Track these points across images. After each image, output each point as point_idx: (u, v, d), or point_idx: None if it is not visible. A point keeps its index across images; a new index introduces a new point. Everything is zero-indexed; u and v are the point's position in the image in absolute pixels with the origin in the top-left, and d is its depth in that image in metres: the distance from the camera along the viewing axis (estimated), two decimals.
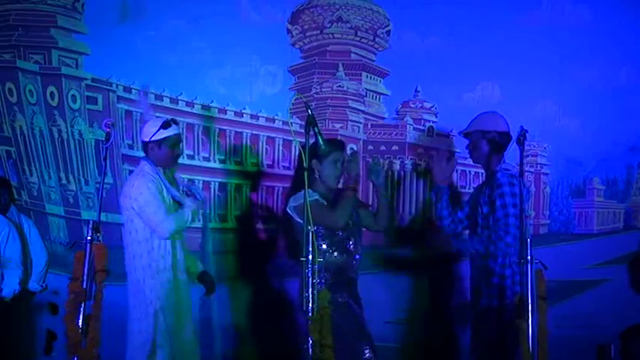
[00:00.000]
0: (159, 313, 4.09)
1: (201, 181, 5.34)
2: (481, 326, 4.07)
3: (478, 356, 4.07)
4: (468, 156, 4.42)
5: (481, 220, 4.09)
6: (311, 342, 3.55)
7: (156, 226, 4.06)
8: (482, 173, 4.63)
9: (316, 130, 3.61)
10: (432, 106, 5.53)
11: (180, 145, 4.26)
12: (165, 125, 4.15)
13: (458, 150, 5.35)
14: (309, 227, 3.47)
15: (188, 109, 5.35)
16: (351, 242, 4.14)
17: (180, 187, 4.32)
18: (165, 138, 4.14)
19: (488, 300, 4.03)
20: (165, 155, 4.16)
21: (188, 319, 4.24)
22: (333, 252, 4.07)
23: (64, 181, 5.36)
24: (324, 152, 3.94)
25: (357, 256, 4.19)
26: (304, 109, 3.62)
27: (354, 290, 4.19)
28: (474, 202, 4.26)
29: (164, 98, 5.33)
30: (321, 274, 3.95)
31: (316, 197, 4.02)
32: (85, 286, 3.48)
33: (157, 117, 4.40)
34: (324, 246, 4.04)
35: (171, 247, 4.15)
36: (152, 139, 4.13)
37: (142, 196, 4.06)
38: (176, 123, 4.25)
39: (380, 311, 5.30)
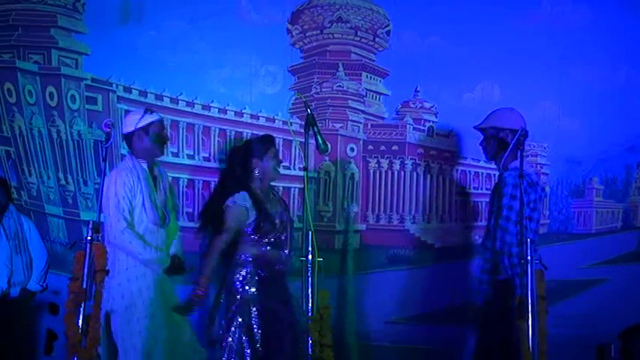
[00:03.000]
0: (109, 314, 4.01)
1: (201, 181, 5.34)
2: (487, 325, 4.05)
3: (485, 356, 4.05)
4: (473, 156, 4.41)
5: (492, 218, 4.08)
6: (311, 342, 3.56)
7: (110, 224, 4.03)
8: (486, 174, 4.63)
9: (315, 130, 3.63)
10: (432, 106, 5.53)
11: (165, 130, 4.28)
12: (149, 111, 4.20)
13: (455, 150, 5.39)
14: (310, 227, 3.49)
15: (188, 109, 5.36)
16: (283, 236, 4.19)
17: (167, 186, 4.30)
18: (151, 123, 4.16)
19: (492, 299, 4.02)
20: (152, 141, 4.15)
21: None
22: (263, 246, 4.14)
23: (62, 182, 5.35)
24: (324, 152, 3.95)
25: (287, 251, 4.22)
26: (304, 108, 3.63)
27: (283, 284, 4.21)
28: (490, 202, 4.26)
29: (164, 98, 5.33)
30: (248, 266, 4.09)
31: (240, 204, 4.12)
32: (85, 286, 3.47)
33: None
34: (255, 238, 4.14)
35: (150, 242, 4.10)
36: (138, 126, 4.13)
37: (109, 188, 4.02)
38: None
39: (379, 311, 5.33)
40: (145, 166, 4.15)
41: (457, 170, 5.50)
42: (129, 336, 4.01)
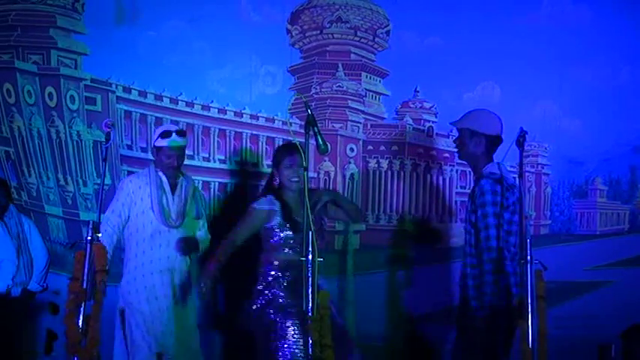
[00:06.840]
0: (124, 311, 4.20)
1: (201, 181, 5.33)
2: (467, 331, 3.98)
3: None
4: None
5: (470, 227, 4.00)
6: (311, 342, 3.55)
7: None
8: None
9: (315, 130, 3.62)
10: (432, 106, 5.53)
11: (178, 156, 4.30)
12: (164, 135, 4.27)
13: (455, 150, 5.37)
14: (310, 227, 3.48)
15: (188, 109, 5.35)
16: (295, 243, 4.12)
17: (188, 195, 4.39)
18: (160, 147, 4.28)
19: (476, 306, 3.93)
20: (160, 162, 4.32)
21: (183, 318, 4.28)
22: (283, 250, 4.12)
23: (62, 183, 5.34)
24: (324, 152, 3.93)
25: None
26: (304, 109, 3.62)
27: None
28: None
29: (164, 98, 5.33)
30: (271, 272, 4.10)
31: (262, 207, 4.10)
32: (85, 286, 3.47)
33: (170, 124, 4.86)
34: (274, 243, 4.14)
35: (153, 243, 4.25)
36: (154, 143, 4.33)
37: (117, 191, 4.37)
38: (182, 135, 4.34)
39: (380, 311, 5.32)
40: (160, 174, 4.31)
41: (457, 170, 5.50)
42: (130, 332, 4.17)
